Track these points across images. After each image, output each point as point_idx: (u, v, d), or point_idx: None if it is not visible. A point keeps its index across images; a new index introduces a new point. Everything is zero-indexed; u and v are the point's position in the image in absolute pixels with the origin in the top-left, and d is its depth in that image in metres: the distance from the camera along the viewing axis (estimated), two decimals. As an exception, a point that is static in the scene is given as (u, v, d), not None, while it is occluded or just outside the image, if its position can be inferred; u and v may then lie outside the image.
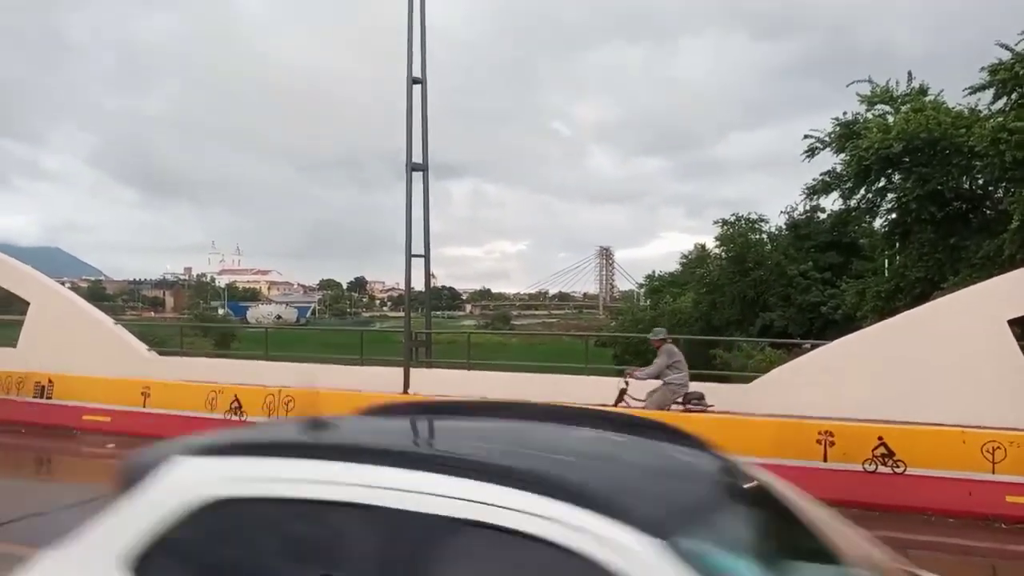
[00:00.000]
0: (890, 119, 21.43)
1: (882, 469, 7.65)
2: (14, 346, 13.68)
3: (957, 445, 7.53)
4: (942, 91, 21.94)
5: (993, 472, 7.32)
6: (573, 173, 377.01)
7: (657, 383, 9.55)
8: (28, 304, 13.88)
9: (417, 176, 13.94)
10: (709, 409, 9.27)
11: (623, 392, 9.76)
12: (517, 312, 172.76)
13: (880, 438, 7.73)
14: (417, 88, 13.78)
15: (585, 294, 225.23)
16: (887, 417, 8.02)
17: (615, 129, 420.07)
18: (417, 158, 13.82)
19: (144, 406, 11.33)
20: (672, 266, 51.79)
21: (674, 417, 8.61)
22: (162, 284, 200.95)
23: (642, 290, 64.45)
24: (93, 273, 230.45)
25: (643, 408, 9.29)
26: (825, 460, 7.82)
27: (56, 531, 6.89)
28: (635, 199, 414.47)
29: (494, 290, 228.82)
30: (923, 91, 22.14)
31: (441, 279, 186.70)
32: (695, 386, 9.71)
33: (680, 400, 9.45)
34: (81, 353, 12.58)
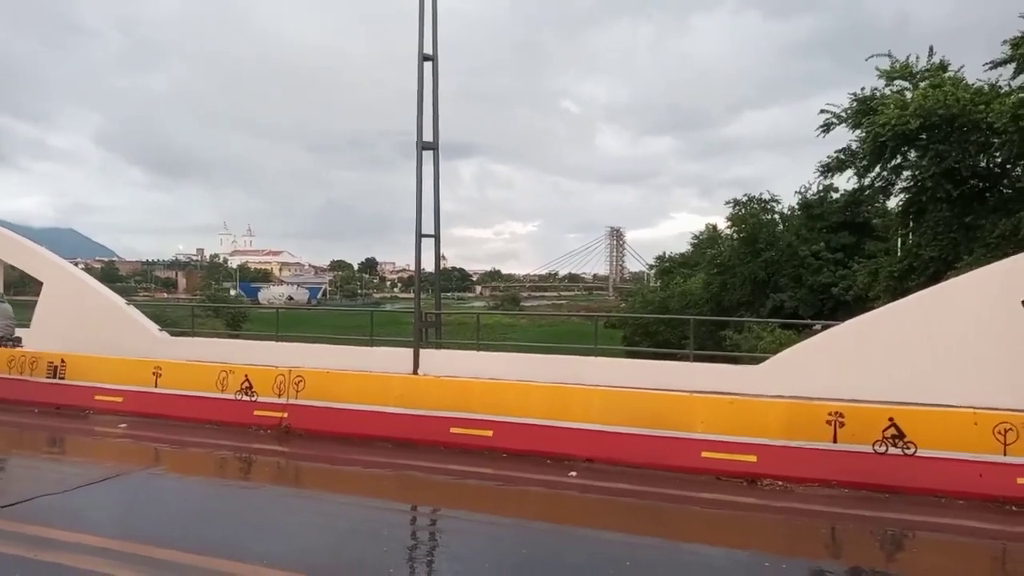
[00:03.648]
0: (908, 95, 21.07)
1: (892, 450, 7.60)
2: (27, 326, 13.81)
3: (968, 427, 7.46)
4: (963, 67, 21.53)
5: (1004, 454, 7.25)
6: (583, 153, 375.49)
7: None
8: (42, 285, 13.98)
9: (426, 156, 13.85)
10: (18, 346, 13.20)
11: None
12: (527, 293, 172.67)
13: (891, 419, 7.68)
14: (427, 66, 13.65)
15: (595, 275, 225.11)
16: (898, 398, 7.96)
17: (625, 108, 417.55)
18: (427, 137, 13.72)
19: (156, 386, 11.40)
20: (683, 247, 51.72)
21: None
22: (175, 265, 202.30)
23: (652, 271, 64.36)
24: (106, 254, 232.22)
25: None
26: (835, 441, 7.78)
27: (69, 511, 6.99)
28: (646, 179, 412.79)
29: (504, 271, 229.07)
30: (943, 67, 21.72)
31: (451, 260, 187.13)
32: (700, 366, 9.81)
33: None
34: (93, 334, 12.68)
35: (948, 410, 7.69)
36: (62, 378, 12.20)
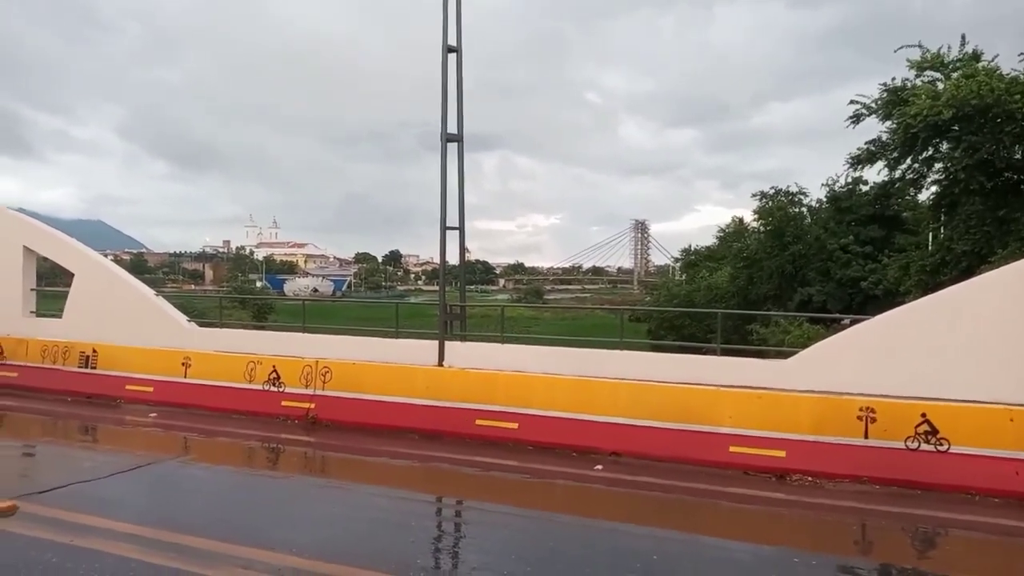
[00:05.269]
0: (940, 86, 20.64)
1: (925, 447, 7.47)
2: (60, 316, 14.04)
3: (1004, 423, 7.31)
4: (996, 56, 21.05)
5: (1042, 452, 7.09)
6: (606, 145, 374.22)
7: None
8: (73, 275, 14.19)
9: (450, 148, 13.81)
10: None
11: None
12: (550, 286, 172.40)
13: (923, 415, 7.54)
14: (450, 57, 13.60)
15: (620, 268, 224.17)
16: (929, 394, 7.81)
17: (648, 99, 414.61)
18: (451, 129, 13.68)
19: (185, 376, 11.56)
20: (707, 240, 51.30)
21: None
22: (201, 257, 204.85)
23: (678, 264, 63.91)
24: (135, 246, 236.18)
25: None
26: (866, 437, 7.66)
27: (101, 498, 7.09)
28: (669, 171, 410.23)
29: (527, 264, 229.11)
30: (976, 56, 21.26)
31: (474, 253, 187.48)
32: (728, 360, 9.72)
33: None
34: (124, 324, 12.85)
35: (983, 406, 7.53)
36: (94, 368, 12.41)
